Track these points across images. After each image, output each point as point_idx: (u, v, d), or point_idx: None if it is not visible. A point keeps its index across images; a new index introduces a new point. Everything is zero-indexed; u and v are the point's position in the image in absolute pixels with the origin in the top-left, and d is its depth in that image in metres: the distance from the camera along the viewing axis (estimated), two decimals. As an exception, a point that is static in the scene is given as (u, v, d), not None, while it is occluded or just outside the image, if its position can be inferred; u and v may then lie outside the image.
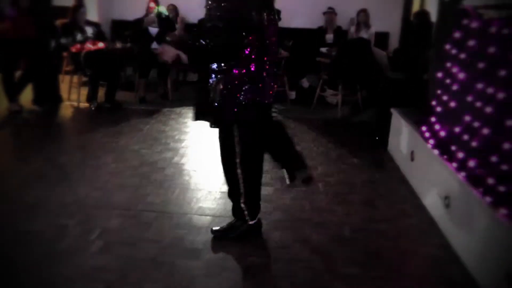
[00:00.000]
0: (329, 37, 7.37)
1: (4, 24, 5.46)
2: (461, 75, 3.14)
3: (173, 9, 7.50)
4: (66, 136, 5.21)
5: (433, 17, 5.12)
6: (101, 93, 6.05)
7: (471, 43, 3.06)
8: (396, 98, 4.83)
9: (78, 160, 4.12)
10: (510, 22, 2.67)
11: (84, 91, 6.02)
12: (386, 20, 7.66)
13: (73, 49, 5.81)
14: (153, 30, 6.49)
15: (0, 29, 5.44)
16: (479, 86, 2.84)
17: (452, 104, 3.24)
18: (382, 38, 7.56)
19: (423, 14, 5.86)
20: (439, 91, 3.55)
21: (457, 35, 3.30)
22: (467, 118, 2.92)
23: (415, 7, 7.85)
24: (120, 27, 7.53)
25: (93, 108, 5.86)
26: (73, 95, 6.19)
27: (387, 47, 7.54)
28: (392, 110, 4.54)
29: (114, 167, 3.96)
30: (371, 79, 5.84)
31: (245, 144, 2.58)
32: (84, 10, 6.04)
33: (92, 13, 7.06)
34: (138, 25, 6.41)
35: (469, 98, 2.94)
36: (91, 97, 5.90)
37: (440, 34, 3.77)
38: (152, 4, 6.52)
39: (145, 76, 6.39)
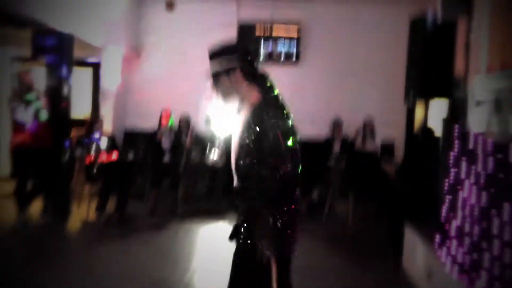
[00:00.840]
0: (336, 147, 7.54)
1: (23, 135, 5.58)
2: (472, 199, 3.15)
3: (182, 121, 7.79)
4: (70, 253, 5.03)
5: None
6: (111, 203, 6.07)
7: (477, 166, 3.10)
8: (408, 211, 4.81)
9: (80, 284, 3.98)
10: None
11: (94, 203, 6.05)
12: (391, 131, 7.88)
13: (87, 161, 5.96)
14: (165, 142, 6.68)
15: (20, 140, 5.59)
16: (493, 210, 2.84)
17: (466, 226, 3.21)
18: (387, 149, 7.72)
19: (428, 130, 6.03)
20: (449, 212, 3.55)
21: (463, 157, 3.37)
22: (484, 244, 2.87)
23: (418, 118, 8.13)
24: (133, 138, 7.78)
25: (102, 220, 5.84)
26: (83, 207, 6.21)
27: (392, 157, 7.67)
28: (406, 227, 4.49)
29: None
30: (380, 191, 5.88)
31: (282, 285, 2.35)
32: (101, 124, 6.29)
33: (106, 123, 7.33)
34: (152, 138, 6.63)
35: (484, 224, 2.92)
36: (100, 207, 5.90)
37: (445, 152, 3.85)
38: (165, 121, 6.81)
39: (157, 188, 6.46)
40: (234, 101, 2.48)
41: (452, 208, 3.50)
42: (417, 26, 4.70)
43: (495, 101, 2.74)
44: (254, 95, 2.36)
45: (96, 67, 7.88)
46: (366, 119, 7.44)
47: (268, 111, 2.27)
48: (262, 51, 8.24)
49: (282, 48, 8.24)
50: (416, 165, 5.53)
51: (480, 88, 3.11)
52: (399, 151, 7.97)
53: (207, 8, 8.31)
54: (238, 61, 2.34)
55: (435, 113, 7.83)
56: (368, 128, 7.40)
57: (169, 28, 8.39)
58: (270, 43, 8.26)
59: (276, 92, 2.40)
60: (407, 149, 7.67)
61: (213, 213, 6.54)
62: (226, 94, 2.41)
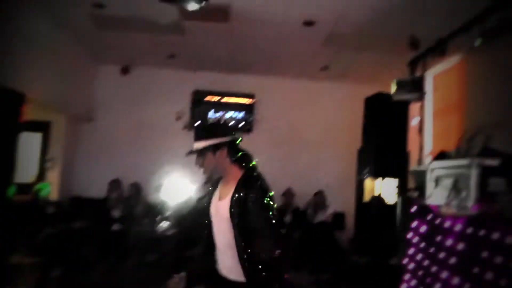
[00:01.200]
0: (288, 218, 7.58)
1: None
2: (433, 268, 3.25)
3: (133, 188, 7.63)
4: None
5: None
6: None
7: (438, 238, 3.24)
8: (363, 283, 4.85)
9: None
10: (468, 222, 2.89)
11: (35, 276, 5.62)
12: (342, 201, 8.06)
13: (31, 231, 5.60)
14: (116, 211, 6.48)
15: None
16: (453, 281, 2.94)
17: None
18: (338, 218, 7.85)
19: (380, 200, 6.25)
20: (407, 277, 3.63)
21: (422, 228, 3.50)
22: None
23: (366, 188, 8.41)
24: (81, 205, 7.46)
25: (43, 293, 5.43)
26: (21, 280, 5.73)
27: (343, 227, 7.81)
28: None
29: None
30: (334, 262, 5.91)
31: None
32: (48, 191, 6.01)
33: (53, 190, 7.03)
34: (102, 206, 6.41)
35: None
36: (42, 281, 5.48)
37: (403, 224, 3.99)
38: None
39: (106, 260, 6.13)
40: (216, 175, 2.63)
41: (413, 280, 3.57)
42: (371, 104, 4.99)
43: (454, 180, 2.91)
44: (237, 172, 2.49)
45: (46, 129, 7.64)
46: (318, 190, 7.61)
47: (257, 191, 2.40)
48: (215, 119, 8.36)
49: (235, 117, 8.39)
50: (371, 235, 5.67)
51: (435, 166, 3.30)
52: (350, 221, 8.11)
53: (162, 75, 8.41)
54: (226, 141, 2.49)
55: (384, 184, 8.16)
56: (319, 199, 7.55)
57: (123, 93, 8.36)
58: (223, 112, 8.40)
59: (258, 171, 2.54)
60: (360, 220, 7.84)
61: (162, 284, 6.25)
62: (209, 169, 2.54)
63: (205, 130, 2.56)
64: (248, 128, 8.35)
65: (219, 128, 2.59)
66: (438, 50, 4.55)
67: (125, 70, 8.26)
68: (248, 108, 8.39)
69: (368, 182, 8.51)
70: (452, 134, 6.56)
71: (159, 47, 7.25)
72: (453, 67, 6.53)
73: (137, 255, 6.81)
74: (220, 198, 2.54)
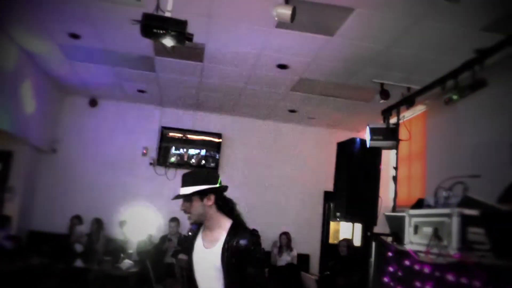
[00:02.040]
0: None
1: None
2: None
3: (95, 223, 7.39)
4: None
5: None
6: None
7: (416, 283, 3.31)
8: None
9: None
10: (448, 269, 2.98)
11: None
12: (307, 243, 8.10)
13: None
14: (78, 246, 6.23)
15: None
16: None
17: None
18: (303, 260, 7.87)
19: (349, 243, 6.32)
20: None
21: (399, 273, 3.57)
22: None
23: (332, 229, 8.53)
24: (39, 239, 7.12)
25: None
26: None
27: (308, 269, 7.83)
28: None
29: None
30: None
31: None
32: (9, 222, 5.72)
33: (12, 223, 6.68)
34: (63, 241, 6.16)
35: None
36: None
37: (378, 267, 4.05)
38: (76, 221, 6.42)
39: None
40: (200, 220, 2.57)
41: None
42: (344, 148, 5.12)
43: (434, 228, 3.01)
44: (224, 220, 2.52)
45: (6, 159, 7.33)
46: (283, 231, 7.63)
47: (244, 241, 2.42)
48: (180, 155, 8.28)
49: (201, 153, 8.34)
50: (340, 277, 5.70)
51: (414, 213, 3.40)
52: (315, 262, 8.15)
53: (130, 109, 8.32)
54: (214, 187, 2.51)
55: (348, 227, 8.29)
56: (284, 240, 7.56)
57: (89, 125, 8.19)
58: (188, 149, 8.33)
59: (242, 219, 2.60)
60: (324, 261, 7.89)
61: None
62: (195, 215, 2.52)
63: (194, 176, 2.58)
64: (214, 166, 8.30)
65: (208, 175, 2.61)
66: (408, 101, 4.76)
67: (93, 102, 8.14)
68: (215, 146, 8.37)
69: (333, 224, 8.64)
70: (415, 181, 6.80)
71: (129, 82, 7.22)
72: (417, 116, 6.85)
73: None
74: (206, 246, 2.52)
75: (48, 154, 7.89)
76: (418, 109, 6.67)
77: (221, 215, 2.53)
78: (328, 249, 8.36)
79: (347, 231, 8.43)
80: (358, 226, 7.65)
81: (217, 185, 2.53)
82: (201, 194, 2.48)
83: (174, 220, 7.63)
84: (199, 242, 2.57)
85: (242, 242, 2.41)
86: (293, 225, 7.93)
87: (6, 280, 5.25)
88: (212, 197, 2.49)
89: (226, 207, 2.56)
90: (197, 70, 6.33)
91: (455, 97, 3.65)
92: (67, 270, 5.98)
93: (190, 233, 2.71)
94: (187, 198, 2.50)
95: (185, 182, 2.53)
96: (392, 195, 6.65)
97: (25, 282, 5.42)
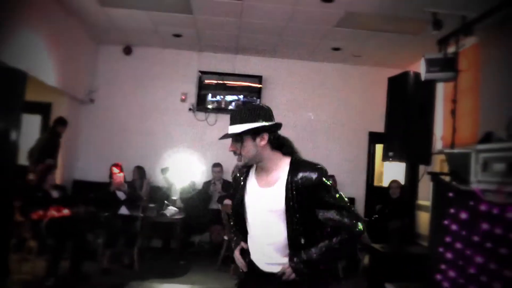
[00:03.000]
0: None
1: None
2: (477, 259, 3.05)
3: (137, 171, 7.39)
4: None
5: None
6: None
7: (483, 226, 3.03)
8: (385, 271, 4.65)
9: None
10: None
11: (40, 263, 5.36)
12: (352, 185, 7.87)
13: (35, 216, 5.31)
14: (121, 194, 6.23)
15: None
16: (505, 273, 2.74)
17: (469, 286, 3.09)
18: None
19: (401, 185, 6.04)
20: (443, 266, 3.44)
21: (463, 215, 3.29)
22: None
23: (377, 172, 8.25)
24: (83, 189, 7.21)
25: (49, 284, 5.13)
26: (25, 267, 5.49)
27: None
28: (388, 285, 4.30)
29: None
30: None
31: None
32: (54, 171, 5.73)
33: (56, 173, 6.73)
34: (106, 190, 6.17)
35: (497, 286, 2.81)
36: (50, 272, 5.15)
37: (438, 210, 3.78)
38: (116, 170, 6.38)
39: (112, 246, 5.91)
40: (252, 162, 2.33)
41: (450, 271, 3.37)
42: (396, 84, 4.74)
43: (507, 164, 2.68)
44: (281, 159, 2.28)
45: (47, 110, 7.32)
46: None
47: (311, 174, 2.16)
48: (218, 101, 8.05)
49: (242, 99, 8.07)
50: (390, 221, 5.47)
51: (483, 148, 3.07)
52: (360, 206, 7.95)
53: (166, 54, 8.09)
54: (268, 125, 2.23)
55: (392, 167, 8.00)
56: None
57: (125, 73, 8.05)
58: (225, 95, 8.06)
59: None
60: (369, 204, 7.67)
61: (171, 272, 6.05)
62: (248, 156, 2.26)
63: (244, 113, 2.27)
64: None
65: (260, 111, 2.28)
66: (465, 30, 4.30)
67: (128, 50, 7.94)
68: (255, 91, 8.07)
69: (377, 166, 8.35)
70: (466, 118, 6.36)
71: (164, 26, 6.94)
72: (468, 49, 6.31)
73: (144, 240, 6.62)
74: (262, 186, 2.28)
75: (86, 104, 7.83)
76: (469, 42, 6.13)
77: (277, 154, 2.27)
78: (374, 192, 8.12)
79: (391, 173, 8.14)
80: (403, 168, 7.34)
81: (271, 122, 2.24)
82: (254, 133, 2.20)
83: (217, 165, 7.53)
84: (252, 183, 2.33)
85: (311, 174, 2.14)
86: (337, 168, 7.66)
87: (55, 228, 5.30)
88: (266, 136, 2.21)
89: (282, 146, 2.29)
90: (236, 9, 5.96)
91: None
92: (112, 217, 5.99)
93: (238, 174, 2.48)
94: (238, 137, 2.22)
95: (235, 120, 2.24)
96: (440, 134, 6.27)
97: (74, 230, 5.44)
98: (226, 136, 2.26)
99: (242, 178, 2.42)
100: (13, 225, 5.71)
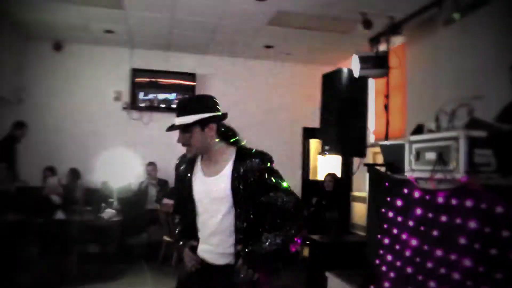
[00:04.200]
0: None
1: None
2: (413, 241, 3.27)
3: (71, 173, 7.12)
4: None
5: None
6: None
7: (417, 211, 3.26)
8: (323, 261, 4.83)
9: None
10: (453, 193, 2.92)
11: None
12: (288, 179, 8.01)
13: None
14: (56, 198, 5.99)
15: None
16: (437, 253, 2.96)
17: (406, 268, 3.31)
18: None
19: (335, 177, 6.28)
20: (381, 252, 3.65)
21: (399, 203, 3.51)
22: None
23: (312, 167, 8.52)
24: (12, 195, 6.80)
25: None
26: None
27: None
28: (328, 274, 4.48)
29: None
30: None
31: None
32: None
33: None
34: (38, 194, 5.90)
35: (429, 265, 3.03)
36: None
37: (374, 199, 3.99)
38: (49, 173, 6.16)
39: (48, 253, 5.65)
40: (200, 153, 2.37)
41: (388, 255, 3.57)
42: (330, 80, 4.93)
43: (438, 153, 2.91)
44: (227, 149, 2.35)
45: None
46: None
47: (256, 161, 2.26)
48: (150, 100, 7.94)
49: (172, 98, 8.01)
50: (326, 212, 5.68)
51: (415, 139, 3.28)
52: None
53: (98, 51, 7.84)
54: (216, 115, 2.30)
55: (327, 159, 8.30)
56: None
57: (55, 71, 7.69)
58: (163, 92, 7.98)
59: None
60: (306, 197, 7.89)
61: (109, 275, 5.91)
62: (196, 147, 2.30)
63: (192, 103, 2.34)
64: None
65: (208, 101, 2.35)
66: (393, 30, 4.58)
67: (57, 46, 7.59)
68: (188, 89, 8.03)
69: (312, 160, 8.63)
70: (396, 112, 6.76)
71: (95, 22, 6.73)
72: (396, 47, 6.70)
73: (80, 246, 6.38)
74: (209, 175, 2.32)
75: (14, 104, 7.40)
76: (397, 41, 6.51)
77: (224, 144, 2.34)
78: (310, 185, 8.38)
79: (325, 167, 8.44)
80: (337, 161, 7.65)
81: (219, 113, 2.31)
82: (202, 124, 2.25)
83: (151, 164, 7.45)
84: (199, 174, 2.36)
85: (255, 160, 2.25)
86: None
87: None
88: (214, 126, 2.27)
89: (229, 136, 2.37)
90: (168, 4, 5.91)
91: (456, 16, 3.47)
92: (47, 223, 5.74)
93: (181, 167, 2.47)
94: (186, 128, 2.24)
95: (182, 111, 2.26)
96: (372, 128, 6.61)
97: (5, 239, 5.15)
98: (174, 127, 2.27)
99: (186, 170, 2.43)
100: None
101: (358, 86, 4.81)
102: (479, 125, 2.86)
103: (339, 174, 7.08)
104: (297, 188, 8.24)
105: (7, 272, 5.07)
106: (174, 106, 7.83)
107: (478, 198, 2.76)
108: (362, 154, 4.70)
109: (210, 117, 2.26)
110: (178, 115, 2.27)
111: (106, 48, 7.82)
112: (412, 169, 3.29)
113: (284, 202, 2.23)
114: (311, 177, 8.69)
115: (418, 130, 3.43)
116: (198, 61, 8.16)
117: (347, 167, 7.05)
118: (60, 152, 7.35)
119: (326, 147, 4.84)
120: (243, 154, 2.29)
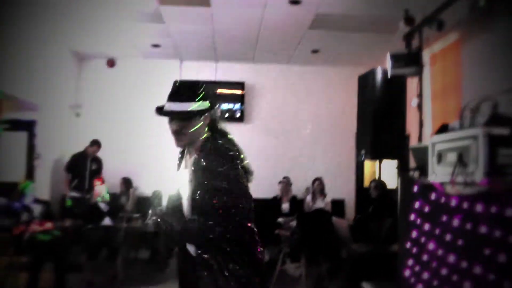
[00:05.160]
0: (285, 206, 7.33)
1: None
2: (439, 251, 3.00)
3: (123, 183, 7.38)
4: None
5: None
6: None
7: (442, 218, 2.99)
8: (363, 271, 4.61)
9: None
10: (477, 199, 2.64)
11: (22, 278, 5.32)
12: (341, 188, 7.81)
13: (16, 231, 5.29)
14: (103, 205, 6.24)
15: None
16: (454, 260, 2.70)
17: (429, 277, 3.05)
18: (338, 205, 7.62)
19: (380, 184, 5.98)
20: (410, 262, 3.39)
21: (426, 209, 3.25)
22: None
23: (366, 173, 8.18)
24: (72, 203, 7.19)
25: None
26: (8, 282, 5.45)
27: (344, 214, 7.59)
28: (365, 284, 4.25)
29: None
30: (334, 250, 5.67)
31: None
32: (33, 187, 5.73)
33: (43, 189, 6.74)
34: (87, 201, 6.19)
35: (444, 271, 2.78)
36: (31, 285, 5.17)
37: (404, 205, 3.73)
38: (97, 183, 6.42)
39: (94, 258, 5.89)
40: (190, 143, 2.26)
41: (417, 266, 3.33)
42: (365, 81, 4.70)
43: (458, 154, 2.64)
44: (207, 139, 2.19)
45: (30, 127, 7.34)
46: (316, 177, 7.36)
47: (209, 160, 2.10)
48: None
49: (226, 106, 8.06)
50: (372, 221, 5.42)
51: (436, 140, 3.03)
52: (350, 207, 7.89)
53: (149, 64, 8.10)
54: (214, 106, 2.19)
55: (384, 166, 7.94)
56: (317, 186, 7.31)
57: (109, 85, 8.06)
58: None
59: (231, 147, 2.22)
60: (360, 206, 7.61)
61: (155, 280, 6.02)
62: (189, 138, 2.19)
63: (192, 89, 2.16)
64: (239, 118, 8.03)
65: (205, 87, 2.20)
66: (434, 23, 4.27)
67: (111, 63, 7.96)
68: (237, 98, 8.06)
69: (368, 166, 8.29)
70: (451, 115, 6.31)
71: (142, 37, 6.96)
72: (450, 45, 6.27)
73: (129, 251, 6.59)
74: (186, 167, 2.32)
75: (72, 119, 7.83)
76: (450, 38, 6.11)
77: (207, 135, 2.21)
78: (364, 192, 8.06)
79: (383, 172, 8.07)
80: (393, 166, 7.27)
81: (216, 101, 2.22)
82: (202, 113, 2.12)
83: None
84: (182, 167, 2.35)
85: (200, 154, 2.11)
86: (325, 170, 7.65)
87: (36, 242, 5.27)
88: (209, 117, 2.17)
89: (216, 128, 2.24)
90: (206, 17, 5.98)
91: (481, 2, 3.17)
92: (95, 229, 5.98)
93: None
94: (186, 116, 2.12)
95: (181, 96, 2.11)
96: (425, 128, 6.20)
97: (57, 243, 5.41)
98: (174, 113, 2.13)
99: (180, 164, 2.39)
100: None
101: (396, 86, 4.53)
102: (502, 122, 2.57)
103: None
104: (350, 196, 7.98)
105: (59, 274, 5.29)
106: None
107: (503, 205, 2.48)
108: (397, 156, 4.41)
109: (210, 106, 2.15)
110: (175, 100, 2.13)
111: (157, 61, 8.05)
112: (434, 173, 3.03)
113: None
114: (366, 184, 8.35)
115: (443, 129, 3.16)
116: (246, 69, 8.18)
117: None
118: (116, 162, 7.63)
119: (362, 152, 4.61)
120: (205, 147, 2.14)
